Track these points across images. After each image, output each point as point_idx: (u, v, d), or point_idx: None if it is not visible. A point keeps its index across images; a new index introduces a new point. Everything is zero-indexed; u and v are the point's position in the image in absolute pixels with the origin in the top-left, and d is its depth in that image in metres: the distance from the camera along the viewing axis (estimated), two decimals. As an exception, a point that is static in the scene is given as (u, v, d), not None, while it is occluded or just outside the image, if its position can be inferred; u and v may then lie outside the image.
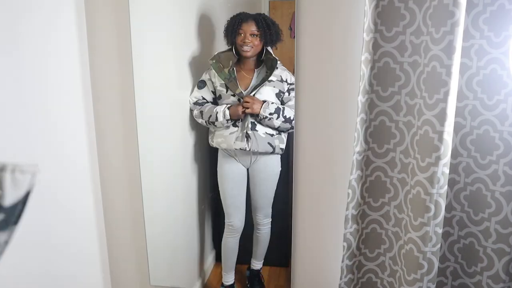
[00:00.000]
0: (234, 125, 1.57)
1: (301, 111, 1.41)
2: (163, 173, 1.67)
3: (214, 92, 1.61)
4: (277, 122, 1.54)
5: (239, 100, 1.56)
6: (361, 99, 1.22)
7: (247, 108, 1.53)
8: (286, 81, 1.54)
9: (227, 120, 1.56)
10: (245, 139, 1.57)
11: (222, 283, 1.79)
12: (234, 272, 1.78)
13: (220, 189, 1.69)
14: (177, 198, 1.73)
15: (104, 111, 1.56)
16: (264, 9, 1.60)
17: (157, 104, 1.60)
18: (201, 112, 1.60)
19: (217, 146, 1.62)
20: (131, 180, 1.61)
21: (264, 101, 1.53)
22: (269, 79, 1.53)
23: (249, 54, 1.55)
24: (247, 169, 1.65)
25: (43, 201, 1.33)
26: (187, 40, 1.62)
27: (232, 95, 1.57)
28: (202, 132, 1.64)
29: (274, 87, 1.55)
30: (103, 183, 1.63)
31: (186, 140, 1.70)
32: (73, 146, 1.48)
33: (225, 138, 1.59)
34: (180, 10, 1.60)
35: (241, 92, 1.56)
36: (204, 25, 1.60)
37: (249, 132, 1.56)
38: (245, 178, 1.67)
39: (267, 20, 1.52)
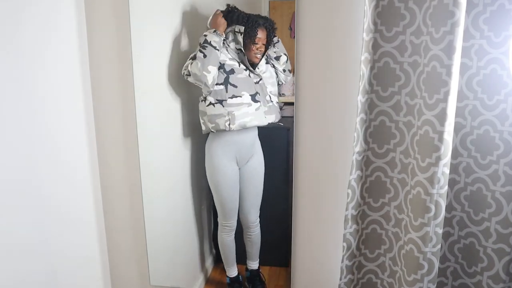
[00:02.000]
0: (254, 100, 1.53)
1: (301, 111, 1.41)
2: (163, 175, 1.67)
3: (221, 68, 1.53)
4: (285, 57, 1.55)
5: (249, 75, 1.54)
6: (361, 99, 1.22)
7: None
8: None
9: (215, 32, 1.48)
10: (272, 111, 1.56)
11: (228, 276, 1.79)
12: (236, 265, 1.79)
13: (217, 194, 1.65)
14: (176, 199, 1.73)
15: (104, 114, 1.56)
16: (264, 9, 1.60)
17: (157, 105, 1.60)
18: (194, 57, 1.50)
19: (239, 128, 1.52)
20: (131, 183, 1.61)
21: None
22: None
23: (257, 60, 1.55)
24: (239, 169, 1.64)
25: (43, 205, 1.33)
26: (188, 40, 1.62)
27: (244, 69, 1.54)
28: (202, 133, 1.63)
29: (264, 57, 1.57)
30: (103, 183, 1.63)
31: (186, 141, 1.70)
32: (73, 149, 1.48)
33: (254, 115, 1.53)
34: (180, 9, 1.60)
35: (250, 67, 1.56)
36: (204, 23, 1.60)
37: (270, 104, 1.56)
38: (238, 179, 1.66)
39: (273, 26, 1.52)
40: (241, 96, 1.51)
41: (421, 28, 1.12)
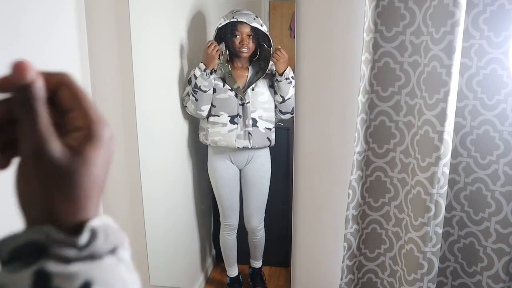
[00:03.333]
0: (232, 122, 1.54)
1: (301, 111, 1.41)
2: (163, 174, 1.67)
3: None
4: (291, 91, 1.48)
5: (236, 95, 1.54)
6: (361, 99, 1.22)
7: (277, 60, 1.49)
8: (274, 75, 1.54)
9: (205, 71, 1.51)
10: (248, 137, 1.55)
11: (228, 276, 1.79)
12: (236, 265, 1.79)
13: (215, 192, 1.68)
14: (176, 199, 1.73)
15: (104, 114, 1.55)
16: (264, 9, 1.60)
17: (157, 106, 1.60)
18: (187, 93, 1.56)
19: (213, 144, 1.58)
20: (131, 183, 1.61)
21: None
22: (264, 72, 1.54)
23: (246, 55, 1.55)
24: (240, 170, 1.65)
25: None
26: (188, 38, 1.62)
27: (229, 89, 1.55)
28: (202, 132, 1.64)
29: (268, 79, 1.56)
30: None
31: (185, 141, 1.70)
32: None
33: (224, 136, 1.56)
34: (181, 8, 1.60)
35: (239, 87, 1.55)
36: (204, 22, 1.60)
37: (250, 129, 1.54)
38: (238, 179, 1.66)
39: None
40: (218, 116, 1.56)
41: (421, 28, 1.12)
